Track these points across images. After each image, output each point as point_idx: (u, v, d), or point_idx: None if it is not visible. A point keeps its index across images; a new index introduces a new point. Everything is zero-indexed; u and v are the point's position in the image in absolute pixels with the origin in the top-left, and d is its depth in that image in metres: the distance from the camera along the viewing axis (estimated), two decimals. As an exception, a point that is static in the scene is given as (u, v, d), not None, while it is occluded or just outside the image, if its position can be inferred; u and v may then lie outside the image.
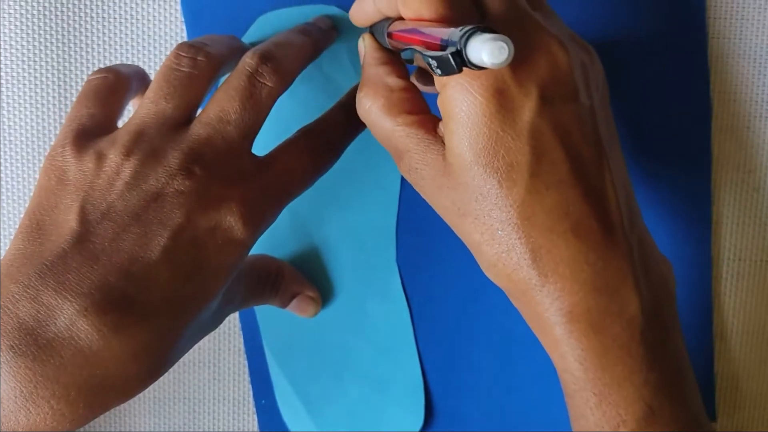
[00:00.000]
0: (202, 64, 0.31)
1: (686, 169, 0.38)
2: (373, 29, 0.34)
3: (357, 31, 0.38)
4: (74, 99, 0.39)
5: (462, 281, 0.40)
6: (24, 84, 0.39)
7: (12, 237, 0.40)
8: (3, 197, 0.40)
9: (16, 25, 0.38)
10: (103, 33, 0.39)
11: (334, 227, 0.40)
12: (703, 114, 0.38)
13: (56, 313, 0.27)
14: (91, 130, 0.31)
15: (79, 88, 0.39)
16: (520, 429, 0.40)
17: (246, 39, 0.38)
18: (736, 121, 0.38)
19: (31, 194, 0.30)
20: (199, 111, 0.31)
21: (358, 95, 0.32)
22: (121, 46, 0.39)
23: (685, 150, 0.38)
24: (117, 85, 0.32)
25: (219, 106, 0.31)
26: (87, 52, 0.39)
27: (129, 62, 0.39)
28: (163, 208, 0.29)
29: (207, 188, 0.29)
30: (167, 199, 0.29)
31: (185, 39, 0.38)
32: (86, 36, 0.39)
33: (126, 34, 0.39)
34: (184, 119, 0.31)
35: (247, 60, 0.31)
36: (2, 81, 0.39)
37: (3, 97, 0.39)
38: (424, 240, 0.39)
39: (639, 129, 0.38)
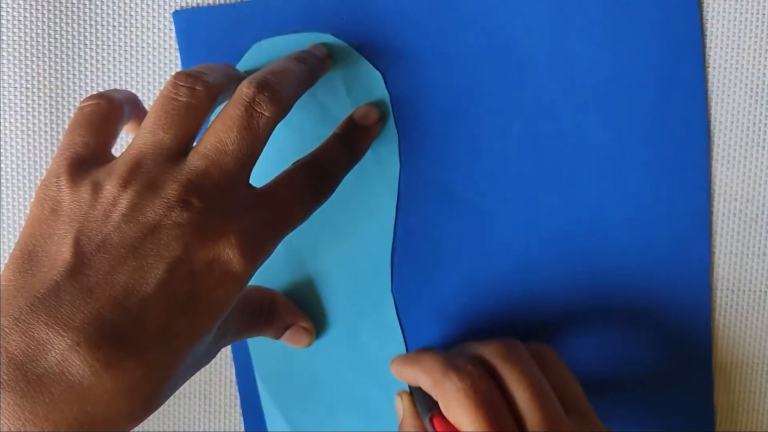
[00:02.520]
0: (200, 93, 0.31)
1: (684, 198, 0.38)
2: (411, 390, 0.36)
3: (352, 59, 0.38)
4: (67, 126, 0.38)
5: (457, 312, 0.39)
6: (17, 111, 0.38)
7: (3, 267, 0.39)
8: (-8, 225, 0.39)
9: (9, 52, 0.38)
10: (98, 60, 0.38)
11: (329, 257, 0.39)
12: (702, 143, 0.38)
13: (47, 348, 0.26)
14: (85, 160, 0.30)
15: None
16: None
17: (240, 67, 0.38)
18: (734, 150, 0.38)
19: (23, 223, 0.30)
20: (197, 140, 0.31)
21: None
22: (115, 74, 0.38)
23: (683, 179, 0.38)
24: (110, 112, 0.32)
25: (216, 136, 0.30)
26: (81, 79, 0.38)
27: (121, 86, 0.39)
28: (159, 240, 0.28)
29: (205, 221, 0.29)
30: (164, 231, 0.28)
31: (180, 67, 0.38)
32: (80, 63, 0.38)
33: (120, 62, 0.38)
34: (181, 149, 0.30)
35: (244, 89, 0.31)
36: (-7, 108, 0.38)
37: (-6, 124, 0.38)
38: (419, 270, 0.39)
39: (638, 159, 0.38)
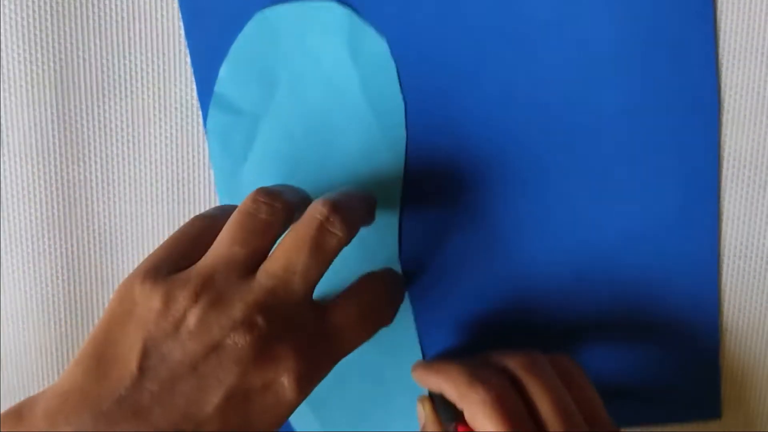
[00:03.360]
0: (278, 212, 0.31)
1: (694, 164, 0.38)
2: (433, 396, 0.36)
3: (356, 26, 0.37)
4: (75, 92, 0.38)
5: (465, 287, 0.39)
6: (19, 87, 0.38)
7: (13, 291, 0.40)
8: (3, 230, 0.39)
9: (9, 42, 0.38)
10: (99, 31, 0.38)
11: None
12: (712, 109, 0.37)
13: None
14: (172, 268, 0.31)
15: (74, 94, 0.38)
16: None
17: (243, 36, 0.37)
18: (745, 116, 0.38)
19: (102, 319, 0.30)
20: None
21: None
22: (118, 44, 0.38)
23: (693, 145, 0.38)
24: (216, 232, 0.32)
25: (287, 256, 0.30)
26: (84, 51, 0.38)
27: (124, 56, 0.38)
28: (221, 361, 0.29)
29: (266, 344, 0.29)
30: (226, 351, 0.29)
31: (182, 36, 0.38)
32: (83, 36, 0.38)
33: (122, 31, 0.38)
34: (253, 265, 0.31)
35: (319, 208, 0.31)
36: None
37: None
38: (428, 249, 0.39)
39: (646, 122, 0.38)
